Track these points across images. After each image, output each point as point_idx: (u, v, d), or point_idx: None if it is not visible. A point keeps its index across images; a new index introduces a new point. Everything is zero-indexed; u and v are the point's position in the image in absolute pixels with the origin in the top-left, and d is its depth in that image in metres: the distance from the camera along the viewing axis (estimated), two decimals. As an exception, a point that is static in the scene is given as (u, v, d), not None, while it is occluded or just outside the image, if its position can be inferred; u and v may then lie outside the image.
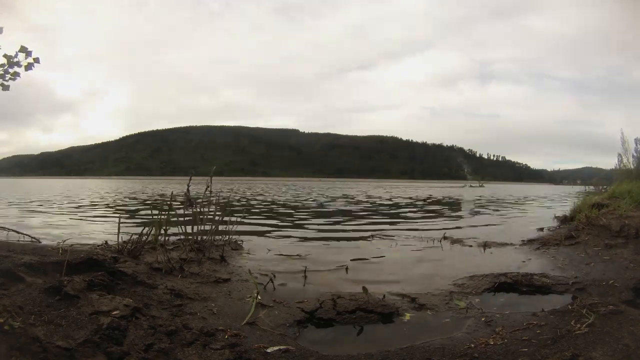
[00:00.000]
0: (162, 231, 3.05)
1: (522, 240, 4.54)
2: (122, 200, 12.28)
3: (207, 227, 3.63)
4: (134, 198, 13.60)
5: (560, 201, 14.41)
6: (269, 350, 1.62)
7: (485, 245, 4.32)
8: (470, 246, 4.32)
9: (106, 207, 9.57)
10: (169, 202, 3.32)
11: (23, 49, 2.69)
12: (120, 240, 2.93)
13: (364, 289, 2.33)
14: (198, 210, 3.64)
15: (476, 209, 10.46)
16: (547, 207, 11.61)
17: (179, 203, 3.96)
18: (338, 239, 4.91)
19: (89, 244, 3.31)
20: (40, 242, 3.26)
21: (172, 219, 3.22)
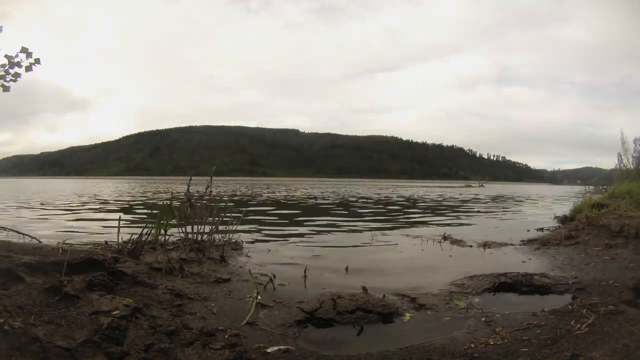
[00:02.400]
0: (162, 231, 3.05)
1: (522, 240, 4.54)
2: (122, 200, 12.28)
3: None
4: (134, 198, 13.60)
5: (560, 201, 14.42)
6: (269, 350, 1.62)
7: (485, 245, 4.32)
8: (470, 246, 4.32)
9: (106, 207, 9.57)
10: (169, 202, 3.32)
11: (24, 50, 2.69)
12: (120, 240, 2.93)
13: (364, 289, 2.33)
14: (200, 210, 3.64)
15: (476, 209, 10.46)
16: (547, 207, 11.61)
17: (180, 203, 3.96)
18: (339, 239, 4.91)
19: (89, 244, 3.31)
20: (40, 242, 3.26)
21: (171, 219, 3.22)
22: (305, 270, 2.97)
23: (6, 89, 2.73)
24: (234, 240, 4.03)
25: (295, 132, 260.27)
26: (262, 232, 5.39)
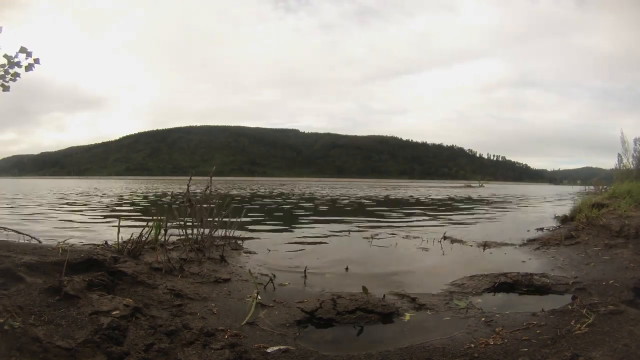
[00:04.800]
0: (162, 231, 3.05)
1: (522, 240, 4.54)
2: (122, 200, 12.28)
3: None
4: (134, 197, 13.60)
5: (560, 201, 14.42)
6: (269, 350, 1.62)
7: (485, 245, 4.32)
8: (471, 246, 4.32)
9: (106, 207, 9.56)
10: (169, 202, 3.32)
11: (23, 50, 2.68)
12: (120, 240, 2.93)
13: (364, 289, 2.33)
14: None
15: (476, 209, 10.46)
16: (547, 207, 11.61)
17: (179, 203, 3.96)
18: (339, 239, 4.91)
19: (89, 244, 3.31)
20: (40, 242, 3.26)
21: (171, 219, 3.22)
22: (305, 270, 2.97)
23: (6, 88, 2.72)
24: (234, 240, 4.03)
25: (295, 132, 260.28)
26: (263, 232, 5.39)
